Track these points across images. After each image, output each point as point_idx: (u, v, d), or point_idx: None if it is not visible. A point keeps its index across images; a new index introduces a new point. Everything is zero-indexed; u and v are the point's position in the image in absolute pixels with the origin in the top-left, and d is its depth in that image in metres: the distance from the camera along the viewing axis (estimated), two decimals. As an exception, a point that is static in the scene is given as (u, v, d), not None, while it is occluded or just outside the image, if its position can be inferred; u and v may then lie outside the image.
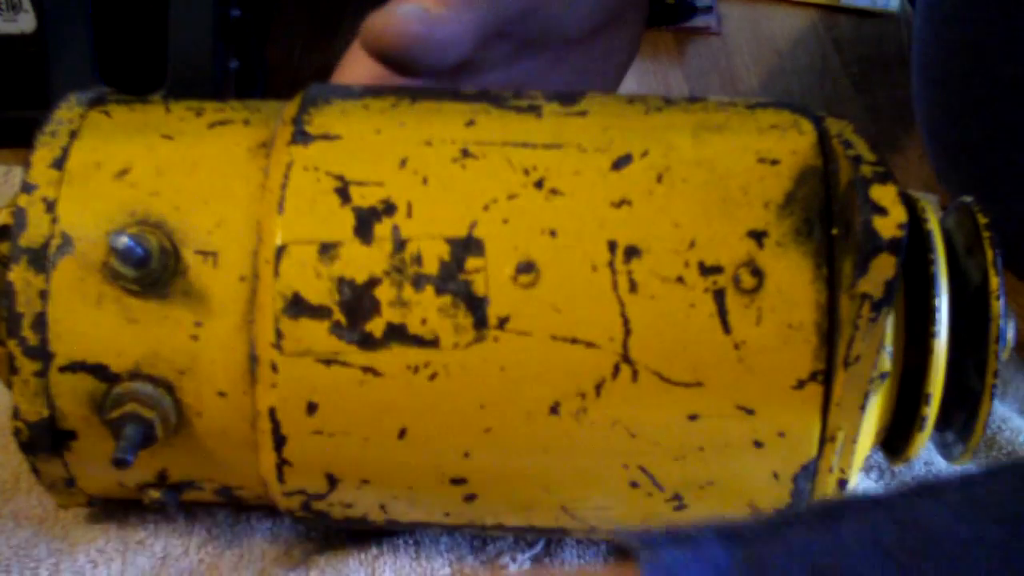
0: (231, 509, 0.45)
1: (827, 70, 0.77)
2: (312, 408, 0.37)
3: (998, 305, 0.38)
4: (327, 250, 0.36)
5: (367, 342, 0.36)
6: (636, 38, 0.54)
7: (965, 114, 0.63)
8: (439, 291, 0.36)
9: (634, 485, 0.38)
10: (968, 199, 0.42)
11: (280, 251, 0.36)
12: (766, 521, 0.28)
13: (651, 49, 0.78)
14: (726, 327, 0.36)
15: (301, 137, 0.38)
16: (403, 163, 0.37)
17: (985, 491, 0.27)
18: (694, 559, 0.26)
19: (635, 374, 0.36)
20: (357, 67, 0.45)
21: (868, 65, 0.78)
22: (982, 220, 0.40)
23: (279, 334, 0.36)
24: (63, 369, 0.37)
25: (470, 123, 0.39)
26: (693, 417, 0.37)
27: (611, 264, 0.36)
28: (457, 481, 0.38)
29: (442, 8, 0.41)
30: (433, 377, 0.36)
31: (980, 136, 0.62)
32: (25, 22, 0.63)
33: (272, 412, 0.37)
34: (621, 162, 0.38)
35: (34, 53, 0.62)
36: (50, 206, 0.37)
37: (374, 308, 0.36)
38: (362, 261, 0.36)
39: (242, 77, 0.66)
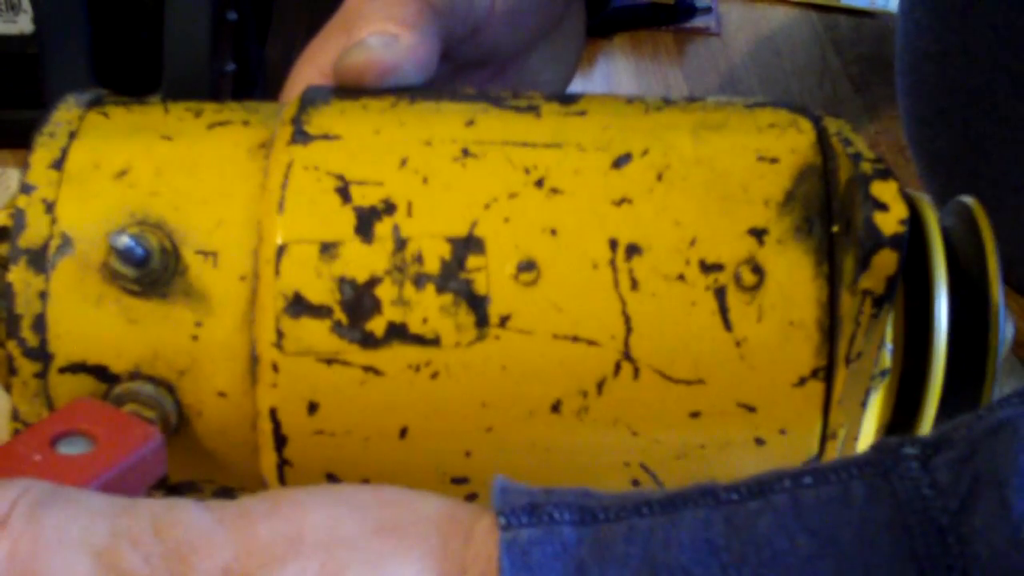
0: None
1: (827, 70, 0.77)
2: (313, 408, 0.37)
3: (998, 303, 0.38)
4: (328, 249, 0.36)
5: (368, 341, 0.36)
6: (573, 51, 0.55)
7: (934, 123, 0.63)
8: (440, 290, 0.36)
9: (635, 483, 0.38)
10: (967, 197, 0.42)
11: (281, 250, 0.36)
12: (622, 500, 0.29)
13: (651, 49, 0.78)
14: (727, 325, 0.36)
15: (301, 137, 0.38)
16: (403, 162, 0.37)
17: (809, 497, 0.27)
18: (547, 538, 0.28)
19: (636, 372, 0.36)
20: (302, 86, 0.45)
21: (868, 65, 0.78)
22: (981, 218, 0.40)
23: (280, 334, 0.36)
24: (63, 370, 0.37)
25: (470, 123, 0.39)
26: (694, 415, 0.37)
27: (612, 262, 0.36)
28: (459, 480, 0.38)
29: (408, 34, 0.42)
30: (434, 376, 0.36)
31: (948, 145, 0.63)
32: (25, 23, 0.63)
33: (273, 412, 0.37)
34: (621, 161, 0.38)
35: (33, 54, 0.62)
36: (49, 207, 0.37)
37: (375, 307, 0.36)
38: (363, 260, 0.36)
39: (241, 78, 0.66)
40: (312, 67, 0.45)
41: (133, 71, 0.63)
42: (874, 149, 0.37)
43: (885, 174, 0.35)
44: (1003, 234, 0.40)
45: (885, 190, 0.34)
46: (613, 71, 0.76)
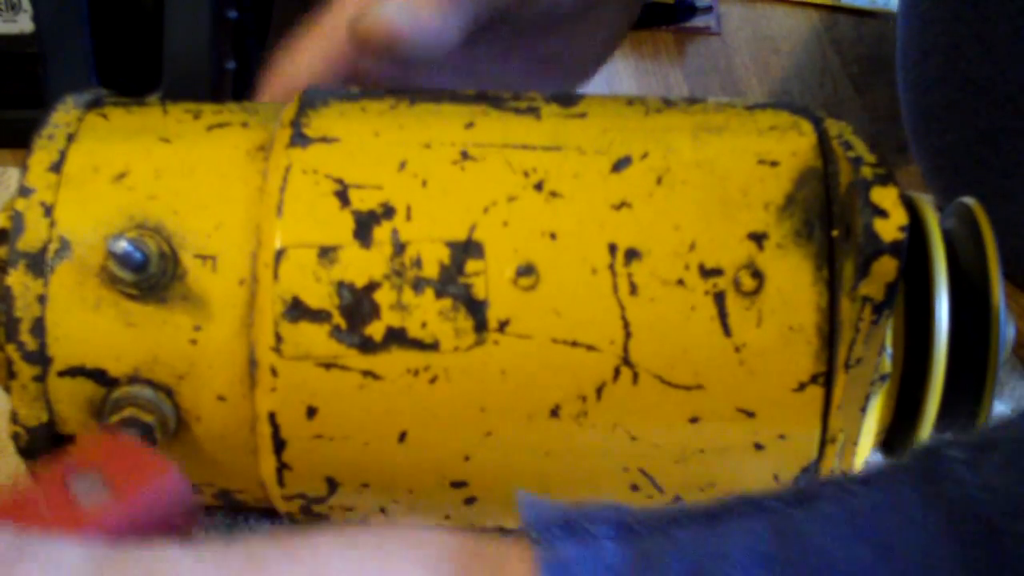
0: (229, 511, 0.44)
1: (827, 70, 0.77)
2: (312, 412, 0.37)
3: (999, 305, 0.38)
4: (326, 253, 0.36)
5: (367, 346, 0.36)
6: (623, 17, 0.54)
7: (943, 117, 0.63)
8: (439, 294, 0.36)
9: (634, 488, 0.38)
10: (968, 199, 0.41)
11: (279, 255, 0.36)
12: (658, 514, 0.28)
13: (651, 49, 0.78)
14: (726, 330, 0.36)
15: (299, 140, 0.38)
16: (402, 166, 0.37)
17: (860, 505, 0.27)
18: (589, 557, 0.27)
19: (636, 377, 0.36)
20: (310, 51, 0.45)
21: (868, 65, 0.78)
22: (982, 220, 0.40)
23: (278, 338, 0.36)
24: (62, 374, 0.37)
25: (469, 125, 0.39)
26: (694, 420, 0.36)
27: (611, 267, 0.36)
28: (457, 484, 0.38)
29: (428, 5, 0.41)
30: (433, 380, 0.36)
31: (955, 139, 0.62)
32: (25, 22, 0.63)
33: (272, 416, 0.37)
34: (621, 164, 0.38)
35: (33, 53, 0.62)
36: (48, 210, 0.37)
37: (374, 312, 0.36)
38: (362, 264, 0.36)
39: (241, 78, 0.65)
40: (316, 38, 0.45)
41: (133, 71, 0.63)
42: (874, 150, 0.37)
43: (885, 179, 0.35)
44: (1014, 227, 0.40)
45: (885, 196, 0.34)
46: (613, 71, 0.76)
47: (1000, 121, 0.59)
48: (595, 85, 0.76)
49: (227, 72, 0.64)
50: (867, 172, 0.35)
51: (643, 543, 0.27)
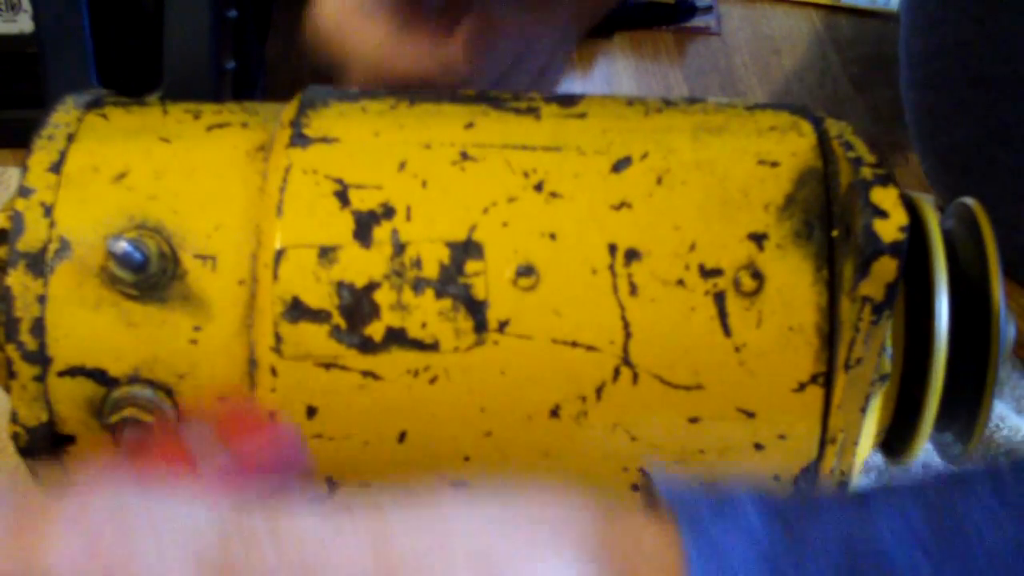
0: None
1: (827, 70, 0.77)
2: (312, 412, 0.37)
3: (999, 305, 0.38)
4: (326, 254, 0.36)
5: (367, 346, 0.36)
6: (576, 23, 0.53)
7: (950, 116, 0.63)
8: (439, 295, 0.36)
9: (635, 488, 0.38)
10: (969, 200, 0.41)
11: (279, 255, 0.36)
12: (800, 498, 0.28)
13: (651, 49, 0.78)
14: (726, 330, 0.36)
15: (299, 140, 0.38)
16: (402, 166, 0.37)
17: (1014, 490, 0.27)
18: (738, 536, 0.26)
19: (636, 377, 0.36)
20: None
21: (868, 65, 0.78)
22: (983, 220, 0.40)
23: (278, 338, 0.36)
24: (62, 373, 0.37)
25: (469, 125, 0.39)
26: (694, 420, 0.36)
27: (611, 267, 0.36)
28: (457, 484, 0.38)
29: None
30: (433, 381, 0.36)
31: (965, 137, 0.62)
32: (25, 22, 0.63)
33: (272, 416, 0.37)
34: (621, 164, 0.38)
35: (33, 53, 0.62)
36: (48, 210, 0.37)
37: (374, 312, 0.36)
38: (361, 265, 0.36)
39: (241, 77, 0.65)
40: None
41: (133, 71, 0.63)
42: (874, 150, 0.37)
43: (885, 180, 0.34)
44: (1023, 223, 0.40)
45: (885, 197, 0.34)
46: (613, 71, 0.76)
47: (1010, 118, 0.59)
48: (595, 85, 0.76)
49: (227, 72, 0.64)
50: (867, 172, 0.35)
51: (788, 522, 0.27)
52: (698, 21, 0.80)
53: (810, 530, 0.26)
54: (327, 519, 0.27)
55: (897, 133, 0.72)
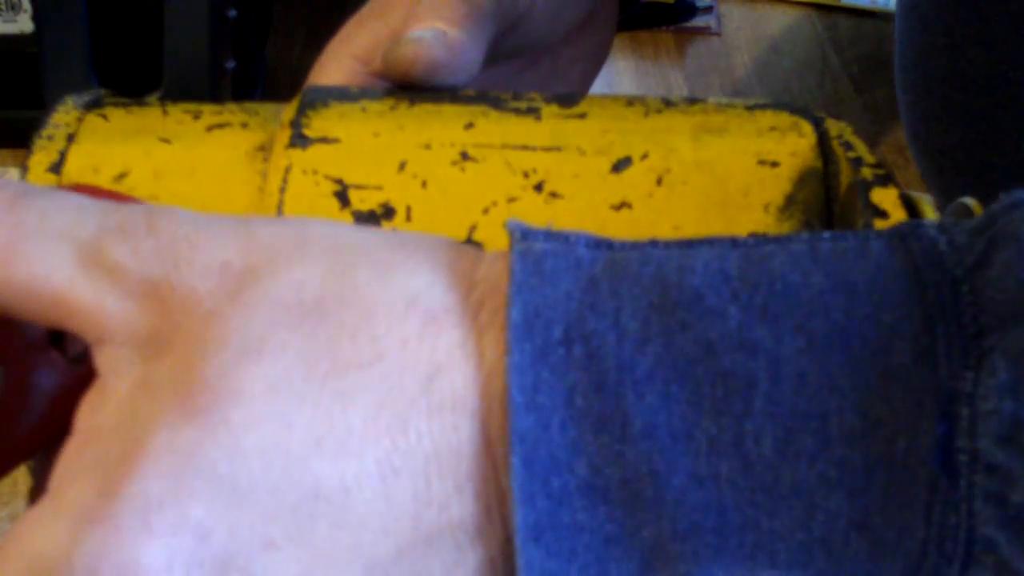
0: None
1: (827, 70, 0.77)
2: None
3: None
4: (326, 254, 0.36)
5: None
6: (604, 44, 0.55)
7: (944, 117, 0.63)
8: (438, 295, 0.36)
9: None
10: (969, 199, 0.41)
11: None
12: (634, 241, 0.29)
13: (651, 49, 0.78)
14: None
15: (299, 140, 0.38)
16: (402, 166, 0.37)
17: (828, 247, 0.28)
18: (561, 252, 0.28)
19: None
20: (334, 72, 0.45)
21: (868, 65, 0.78)
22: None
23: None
24: None
25: (469, 126, 0.39)
26: None
27: (611, 267, 0.36)
28: None
29: (458, 31, 0.42)
30: None
31: (959, 139, 0.62)
32: (25, 22, 0.63)
33: None
34: (621, 164, 0.38)
35: (33, 53, 0.62)
36: None
37: (373, 312, 0.36)
38: None
39: (241, 77, 0.65)
40: (345, 48, 0.45)
41: (133, 71, 0.63)
42: (874, 149, 0.37)
43: (885, 180, 0.35)
44: None
45: (885, 197, 0.34)
46: (613, 71, 0.76)
47: (1001, 120, 0.59)
48: (595, 85, 0.76)
49: (227, 71, 0.64)
50: (867, 173, 0.35)
51: (615, 253, 0.28)
52: (698, 21, 0.80)
53: (631, 260, 0.28)
54: (199, 215, 0.29)
55: (897, 133, 0.73)
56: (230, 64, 0.65)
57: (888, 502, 0.26)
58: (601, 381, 0.26)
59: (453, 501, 0.27)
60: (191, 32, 0.62)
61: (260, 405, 0.26)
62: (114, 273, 0.27)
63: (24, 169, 0.38)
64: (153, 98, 0.43)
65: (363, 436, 0.26)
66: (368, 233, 0.30)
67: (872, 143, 0.69)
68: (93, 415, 0.28)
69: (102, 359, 0.28)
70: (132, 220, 0.28)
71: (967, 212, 0.41)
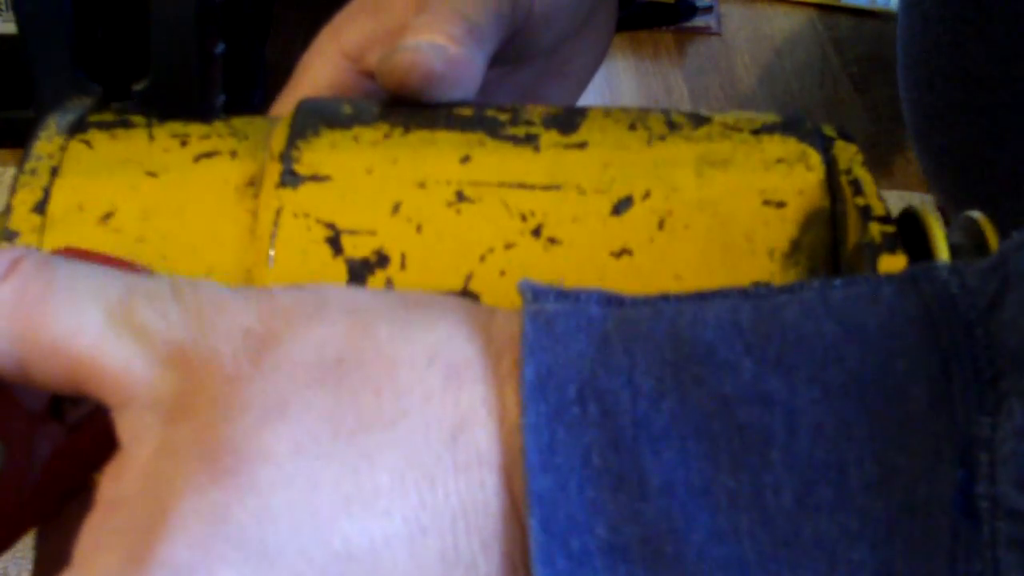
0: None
1: (827, 70, 0.76)
2: None
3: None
4: (318, 303, 0.35)
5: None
6: (603, 44, 0.54)
7: (948, 116, 0.62)
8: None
9: None
10: (976, 213, 0.41)
11: None
12: (645, 297, 0.29)
13: (651, 49, 0.77)
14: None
15: (290, 178, 0.37)
16: (396, 208, 0.36)
17: (839, 294, 0.28)
18: (572, 312, 0.28)
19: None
20: (321, 67, 0.44)
21: (868, 65, 0.77)
22: (990, 234, 0.39)
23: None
24: None
25: (465, 159, 0.38)
26: None
27: (611, 319, 0.35)
28: None
29: (457, 48, 0.40)
30: None
31: (963, 137, 0.62)
32: (18, 21, 0.62)
33: None
34: (621, 206, 0.37)
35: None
36: None
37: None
38: None
39: (241, 78, 0.64)
40: (334, 44, 0.44)
41: (119, 59, 0.61)
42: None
43: (894, 245, 0.34)
44: (1019, 225, 0.39)
45: (893, 265, 0.33)
46: (613, 71, 0.75)
47: (1004, 118, 0.59)
48: (595, 85, 0.75)
49: (216, 56, 0.62)
50: (875, 232, 0.34)
51: (627, 310, 0.28)
52: (698, 21, 0.79)
53: (643, 317, 0.28)
54: (220, 285, 0.29)
55: (897, 133, 0.72)
56: (219, 48, 0.64)
57: (911, 551, 0.26)
58: (617, 439, 0.26)
59: (480, 560, 0.27)
60: (177, 17, 0.60)
61: (287, 465, 0.26)
62: (142, 335, 0.28)
63: (8, 209, 0.37)
64: (139, 118, 0.41)
65: (391, 495, 0.26)
66: (383, 294, 0.30)
67: (872, 143, 0.69)
68: (116, 483, 0.28)
69: (124, 424, 0.28)
70: (158, 286, 0.28)
71: (973, 226, 0.40)
